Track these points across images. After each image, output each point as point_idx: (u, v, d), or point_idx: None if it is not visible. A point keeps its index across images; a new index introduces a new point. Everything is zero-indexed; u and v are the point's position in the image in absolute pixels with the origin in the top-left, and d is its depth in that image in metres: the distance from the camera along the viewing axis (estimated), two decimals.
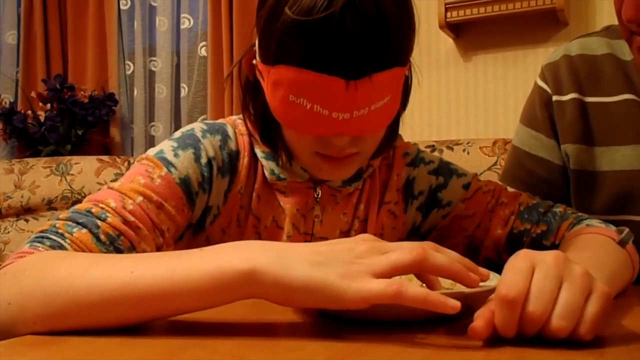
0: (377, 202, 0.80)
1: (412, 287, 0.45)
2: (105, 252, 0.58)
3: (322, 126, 0.64)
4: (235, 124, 0.77)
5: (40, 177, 2.12)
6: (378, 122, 0.67)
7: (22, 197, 2.10)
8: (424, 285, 0.55)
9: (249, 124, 0.75)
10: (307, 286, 0.45)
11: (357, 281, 0.45)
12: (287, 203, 0.75)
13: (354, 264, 0.46)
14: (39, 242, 0.56)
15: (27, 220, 2.12)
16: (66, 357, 0.44)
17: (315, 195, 0.76)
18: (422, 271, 0.50)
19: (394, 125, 0.74)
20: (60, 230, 0.58)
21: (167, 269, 0.48)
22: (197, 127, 0.74)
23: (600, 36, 0.90)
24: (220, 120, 0.77)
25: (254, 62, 0.69)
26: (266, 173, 0.74)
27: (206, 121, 0.76)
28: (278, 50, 0.62)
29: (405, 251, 0.47)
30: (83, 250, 0.57)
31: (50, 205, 2.11)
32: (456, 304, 0.44)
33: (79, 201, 2.24)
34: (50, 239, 0.57)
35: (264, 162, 0.74)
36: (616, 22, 0.74)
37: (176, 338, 0.48)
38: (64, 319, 0.48)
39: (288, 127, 0.68)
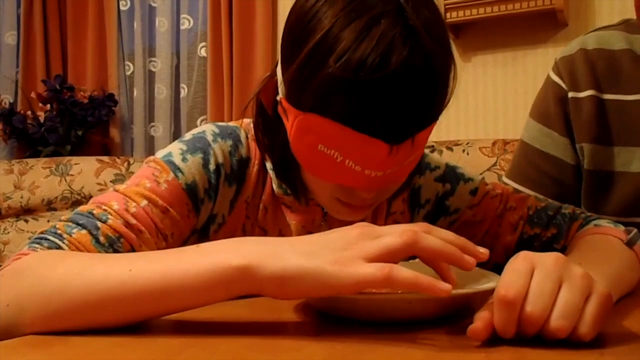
0: (384, 214, 0.78)
1: (403, 270, 0.45)
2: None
3: (351, 179, 0.61)
4: (249, 128, 0.73)
5: (40, 177, 2.12)
6: (408, 171, 0.65)
7: (21, 197, 2.10)
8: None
9: (260, 146, 0.71)
10: (299, 274, 0.46)
11: (348, 266, 0.45)
12: (292, 219, 0.73)
13: (346, 250, 0.47)
14: (37, 243, 0.56)
15: (26, 221, 2.11)
16: (66, 357, 0.44)
17: (323, 214, 0.74)
18: (415, 254, 0.49)
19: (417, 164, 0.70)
20: (59, 231, 0.58)
21: (164, 266, 0.49)
22: (209, 129, 0.71)
23: (619, 30, 0.86)
24: (233, 123, 0.74)
25: (278, 98, 0.64)
26: (274, 186, 0.72)
27: (219, 123, 0.73)
28: (315, 101, 0.57)
29: (396, 235, 0.47)
30: (81, 251, 0.57)
31: (49, 205, 2.11)
32: (447, 287, 0.44)
33: (78, 202, 2.24)
34: (49, 239, 0.56)
35: (272, 175, 0.72)
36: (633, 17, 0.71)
37: (176, 338, 0.48)
38: (62, 319, 0.48)
39: (311, 174, 0.64)
